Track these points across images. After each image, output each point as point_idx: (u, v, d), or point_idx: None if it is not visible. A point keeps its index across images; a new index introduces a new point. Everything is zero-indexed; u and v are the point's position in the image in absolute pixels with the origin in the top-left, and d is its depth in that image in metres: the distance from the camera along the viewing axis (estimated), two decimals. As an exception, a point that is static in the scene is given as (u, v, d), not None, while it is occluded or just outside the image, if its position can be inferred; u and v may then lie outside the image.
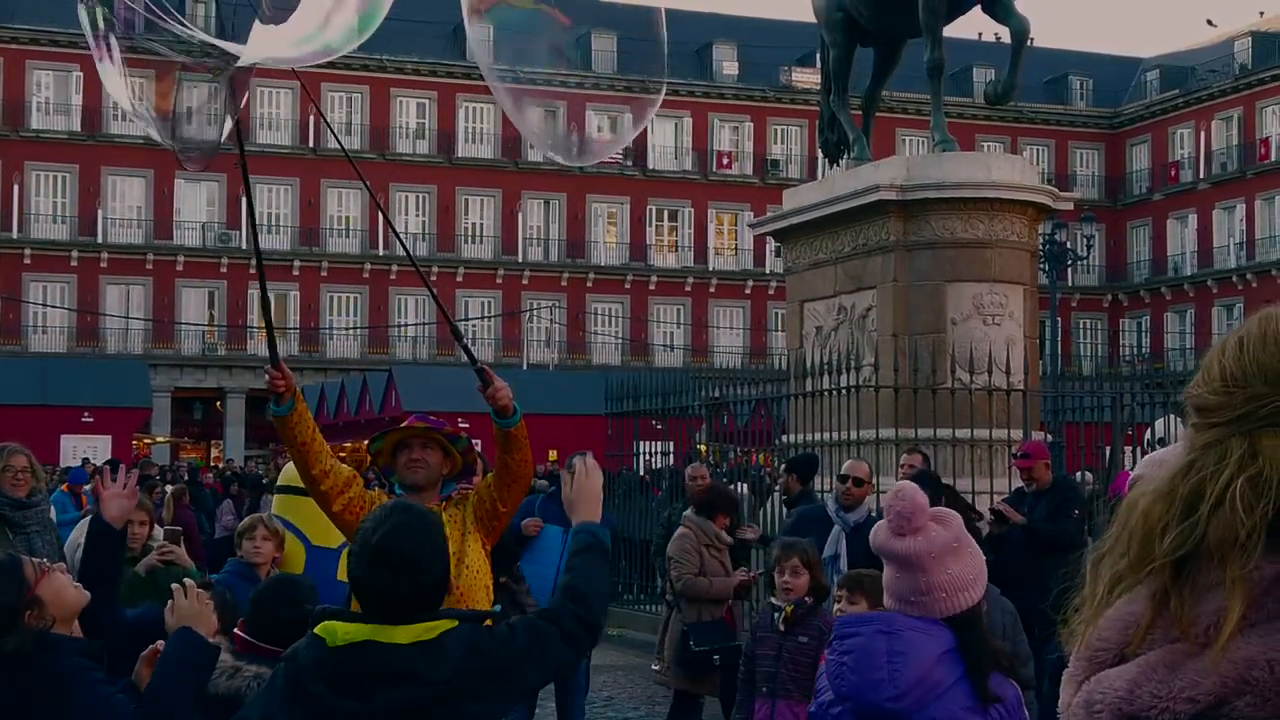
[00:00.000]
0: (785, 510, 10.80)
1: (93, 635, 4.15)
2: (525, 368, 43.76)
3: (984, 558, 3.44)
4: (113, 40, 4.68)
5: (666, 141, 53.17)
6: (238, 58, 4.60)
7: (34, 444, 8.52)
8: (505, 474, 5.11)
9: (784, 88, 53.80)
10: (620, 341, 50.95)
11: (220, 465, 37.12)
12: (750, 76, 53.62)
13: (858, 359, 13.06)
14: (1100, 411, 14.99)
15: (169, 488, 15.95)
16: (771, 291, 50.24)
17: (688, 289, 53.07)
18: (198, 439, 50.25)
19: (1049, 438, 13.52)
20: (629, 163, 51.92)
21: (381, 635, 3.14)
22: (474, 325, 48.82)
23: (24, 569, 3.92)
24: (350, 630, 3.17)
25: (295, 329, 48.81)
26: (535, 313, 49.15)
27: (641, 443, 17.43)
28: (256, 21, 4.68)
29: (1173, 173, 55.91)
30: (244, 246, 46.27)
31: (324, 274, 49.47)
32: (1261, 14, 55.82)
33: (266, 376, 4.98)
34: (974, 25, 50.63)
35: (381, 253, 49.16)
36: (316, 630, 3.22)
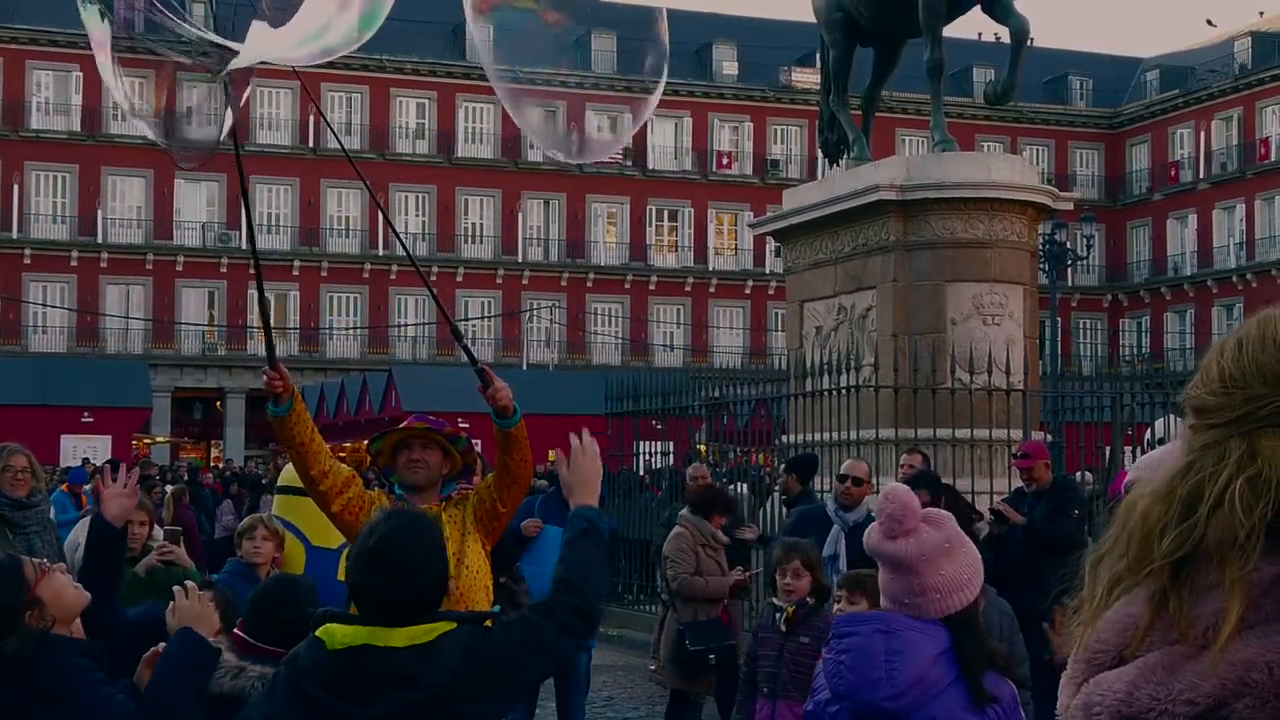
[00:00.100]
0: (785, 510, 10.80)
1: (94, 635, 4.15)
2: (525, 368, 43.76)
3: (979, 557, 3.44)
4: (113, 38, 4.68)
5: (666, 141, 53.17)
6: (235, 56, 4.60)
7: (34, 444, 8.52)
8: (505, 474, 5.11)
9: (784, 88, 53.80)
10: (620, 341, 50.95)
11: (220, 465, 37.13)
12: (750, 76, 53.62)
13: (858, 359, 13.06)
14: (1100, 411, 14.99)
15: (169, 488, 15.95)
16: (771, 291, 50.24)
17: (688, 289, 53.07)
18: (198, 439, 50.25)
19: (1049, 438, 13.53)
20: (629, 163, 51.91)
21: (378, 639, 3.14)
22: (474, 325, 48.82)
23: (24, 569, 3.92)
24: (349, 634, 3.17)
25: (295, 329, 48.81)
26: (535, 313, 49.16)
27: (641, 443, 17.43)
28: (256, 21, 4.68)
29: (1173, 173, 55.91)
30: (244, 246, 46.24)
31: (324, 274, 49.47)
32: (1261, 14, 55.82)
33: (264, 377, 4.98)
34: (974, 25, 50.65)
35: (381, 253, 49.16)
36: (317, 633, 3.22)
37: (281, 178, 48.86)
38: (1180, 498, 1.46)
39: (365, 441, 5.70)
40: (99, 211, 47.48)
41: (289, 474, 6.57)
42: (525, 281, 51.05)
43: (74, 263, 47.18)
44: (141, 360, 43.97)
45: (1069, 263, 36.39)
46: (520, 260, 51.28)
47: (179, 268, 48.10)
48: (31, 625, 3.81)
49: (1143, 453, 12.03)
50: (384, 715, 3.11)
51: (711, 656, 8.68)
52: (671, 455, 17.62)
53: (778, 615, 6.54)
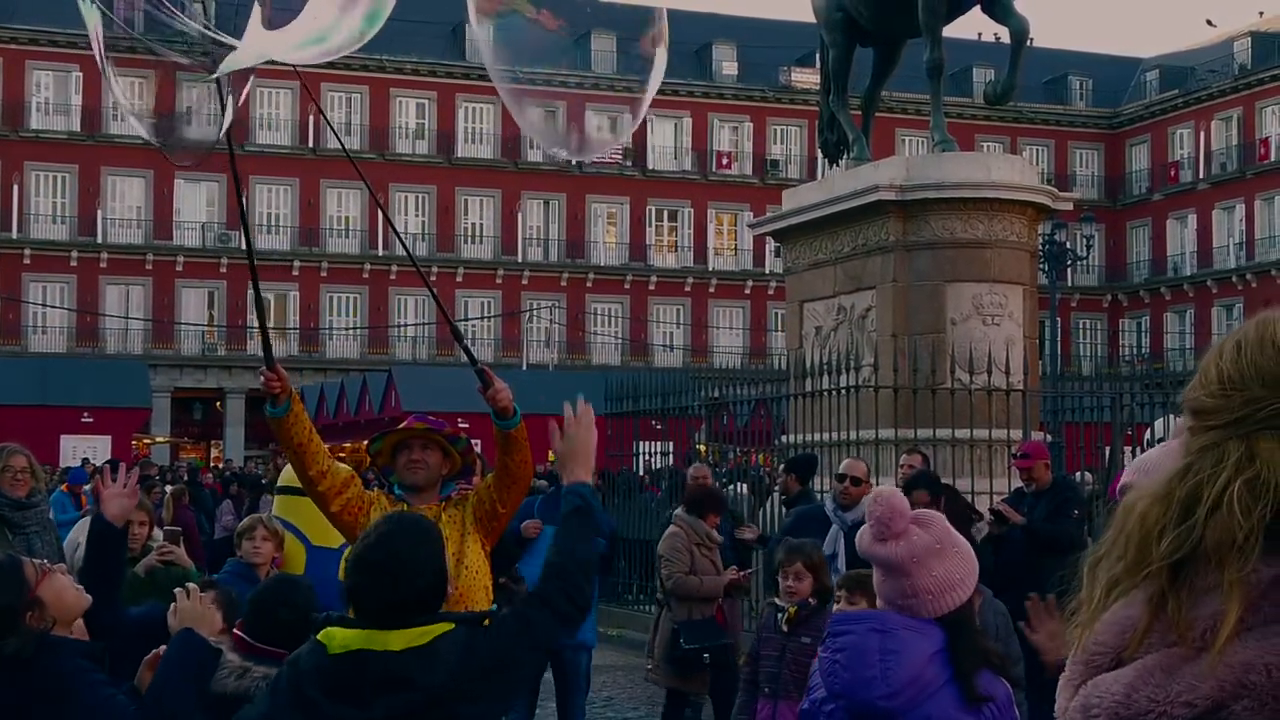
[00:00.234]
0: (784, 510, 10.81)
1: (96, 635, 4.15)
2: (525, 368, 43.75)
3: (973, 556, 3.44)
4: (112, 37, 4.69)
5: (666, 141, 53.17)
6: (238, 55, 4.61)
7: (33, 444, 8.53)
8: (505, 475, 5.11)
9: (783, 88, 53.79)
10: (620, 342, 50.95)
11: (220, 466, 37.13)
12: (750, 77, 53.62)
13: (857, 359, 13.06)
14: (1100, 412, 15.00)
15: (168, 488, 15.94)
16: (771, 291, 50.24)
17: (687, 289, 53.07)
18: (197, 439, 50.24)
19: (1048, 438, 13.53)
20: (629, 163, 51.92)
21: (376, 642, 3.14)
22: (474, 325, 48.82)
23: (24, 570, 3.92)
24: (348, 637, 3.18)
25: (295, 329, 48.82)
26: (535, 313, 49.16)
27: (641, 443, 17.43)
28: (257, 21, 4.69)
29: (1172, 173, 55.91)
30: (243, 246, 46.25)
31: (324, 274, 49.47)
32: (1261, 14, 55.83)
33: (261, 378, 4.99)
34: (974, 25, 50.63)
35: (381, 253, 49.16)
36: (318, 636, 3.23)
37: (281, 178, 48.86)
38: (1179, 500, 1.47)
39: (365, 442, 5.70)
40: (99, 211, 47.48)
41: (289, 474, 6.57)
42: (525, 282, 51.06)
43: (74, 263, 47.18)
44: (141, 360, 43.97)
45: (1069, 263, 36.39)
46: (520, 260, 51.28)
47: (179, 268, 48.11)
48: (32, 626, 3.81)
49: (1143, 453, 12.04)
50: (383, 718, 3.11)
51: (706, 655, 8.70)
52: (671, 455, 17.63)
53: (780, 615, 6.54)
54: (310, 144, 48.64)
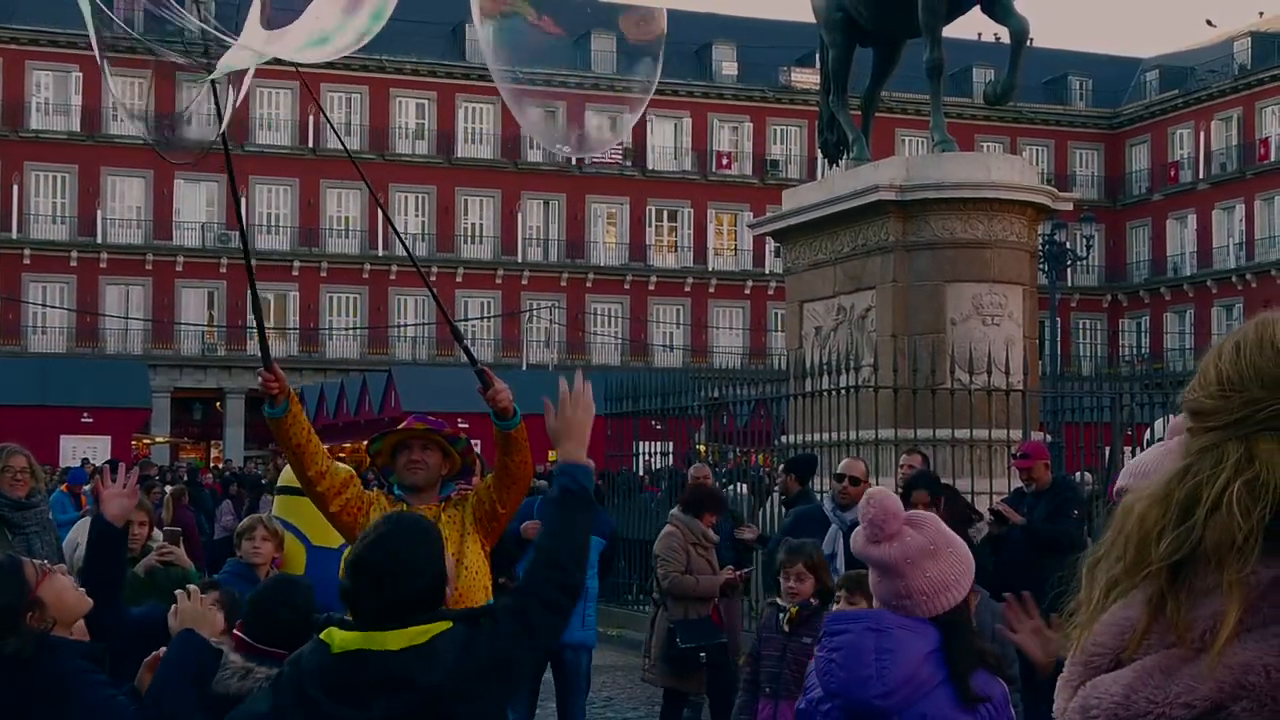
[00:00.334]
0: (784, 510, 10.81)
1: (97, 636, 4.15)
2: (525, 368, 43.75)
3: (969, 556, 3.44)
4: (110, 36, 4.69)
5: (666, 142, 53.17)
6: (243, 55, 4.61)
7: (33, 444, 8.53)
8: (505, 476, 5.11)
9: (783, 88, 53.79)
10: (620, 342, 50.95)
11: (219, 466, 37.13)
12: (750, 77, 53.62)
13: (857, 359, 13.07)
14: (1100, 412, 15.00)
15: (168, 488, 15.94)
16: (771, 292, 50.23)
17: (687, 289, 53.07)
18: (197, 439, 50.24)
19: (1048, 438, 13.53)
20: (628, 163, 51.92)
21: (375, 642, 3.15)
22: (473, 325, 48.81)
23: (25, 570, 3.92)
24: (348, 637, 3.18)
25: (295, 329, 48.81)
26: (535, 313, 49.16)
27: (641, 443, 17.43)
28: (256, 19, 4.69)
29: (1172, 173, 55.91)
30: (250, 247, 46.17)
31: (323, 274, 49.47)
32: (1261, 14, 55.83)
33: (259, 379, 4.99)
34: (973, 25, 50.62)
35: (381, 253, 49.17)
36: (321, 636, 3.23)
37: (281, 178, 48.87)
38: (1178, 500, 1.47)
39: (365, 442, 5.71)
40: (98, 212, 47.48)
41: (289, 474, 6.57)
42: (525, 282, 51.06)
43: (73, 263, 47.18)
44: (141, 361, 43.97)
45: (1068, 263, 36.39)
46: (520, 260, 51.28)
47: (178, 268, 48.11)
48: (32, 626, 3.81)
49: (1142, 453, 12.03)
50: (382, 718, 3.11)
51: (702, 654, 8.71)
52: (671, 456, 17.63)
53: (781, 616, 6.55)
54: (310, 144, 48.65)
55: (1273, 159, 51.60)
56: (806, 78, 48.90)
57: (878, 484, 10.07)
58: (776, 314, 47.25)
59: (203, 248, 48.06)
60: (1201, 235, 54.38)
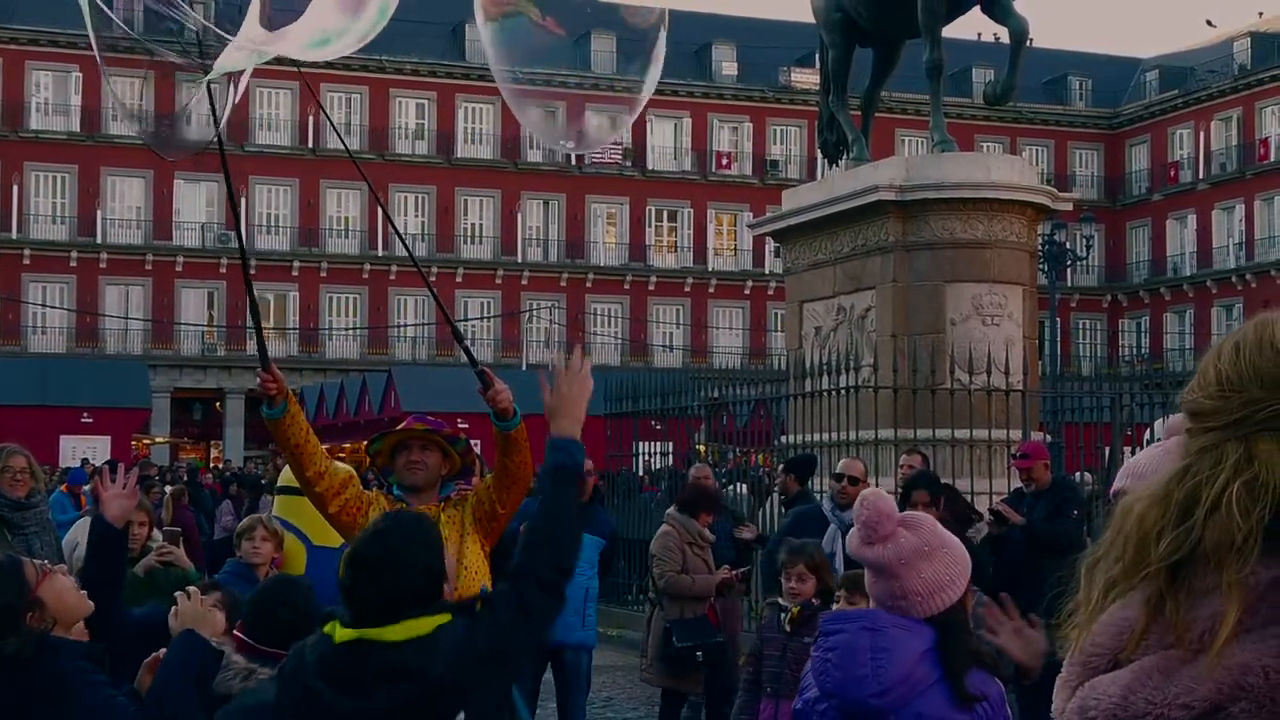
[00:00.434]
0: (783, 510, 10.81)
1: (98, 637, 4.15)
2: (524, 368, 43.75)
3: (965, 556, 3.44)
4: (108, 36, 4.70)
5: (666, 142, 53.17)
6: (247, 56, 4.62)
7: (33, 445, 8.53)
8: (505, 476, 5.11)
9: (783, 88, 53.80)
10: (619, 342, 50.95)
11: (219, 466, 37.13)
12: (749, 77, 53.62)
13: (857, 359, 13.07)
14: (1099, 412, 15.00)
15: (168, 488, 15.94)
16: (771, 292, 50.24)
17: (687, 289, 53.07)
18: (197, 439, 50.24)
19: (1048, 438, 13.53)
20: (628, 163, 51.93)
21: (375, 634, 3.15)
22: (473, 326, 48.81)
23: (25, 570, 3.92)
24: (347, 631, 3.19)
25: (295, 329, 48.81)
26: (535, 313, 49.16)
27: (640, 443, 17.42)
28: (255, 17, 4.69)
29: (1172, 173, 55.91)
30: (245, 247, 46.17)
31: (323, 274, 49.47)
32: (1261, 14, 55.83)
33: (258, 380, 4.99)
34: (973, 26, 50.62)
35: (381, 253, 49.18)
36: (324, 628, 3.24)
37: (281, 178, 48.87)
38: (1177, 501, 1.47)
39: (365, 442, 5.71)
40: (98, 212, 47.48)
41: (289, 474, 6.57)
42: (525, 282, 51.05)
43: (73, 263, 47.18)
44: (141, 361, 43.97)
45: (1068, 263, 36.39)
46: (520, 261, 51.28)
47: (178, 268, 48.10)
48: (32, 626, 3.81)
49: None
50: (384, 708, 3.11)
51: (699, 653, 8.72)
52: (671, 456, 17.62)
53: (783, 616, 6.56)
54: (310, 144, 48.65)
55: (1272, 159, 51.60)
56: (806, 78, 48.91)
57: (878, 484, 10.08)
58: (776, 314, 47.25)
59: (202, 248, 48.06)
60: (1201, 235, 54.38)
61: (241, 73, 4.91)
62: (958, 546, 3.44)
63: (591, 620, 8.96)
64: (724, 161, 53.72)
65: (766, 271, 51.06)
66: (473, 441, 5.61)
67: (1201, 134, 54.50)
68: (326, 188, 49.20)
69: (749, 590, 10.68)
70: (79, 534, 8.38)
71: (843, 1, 14.39)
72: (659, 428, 17.53)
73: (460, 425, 7.27)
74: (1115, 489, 2.68)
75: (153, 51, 4.82)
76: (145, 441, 40.55)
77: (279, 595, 4.48)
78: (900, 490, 8.51)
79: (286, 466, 6.02)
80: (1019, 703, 5.70)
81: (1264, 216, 52.23)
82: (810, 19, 15.44)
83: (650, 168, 52.63)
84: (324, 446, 5.34)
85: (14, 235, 46.59)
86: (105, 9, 4.70)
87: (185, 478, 24.41)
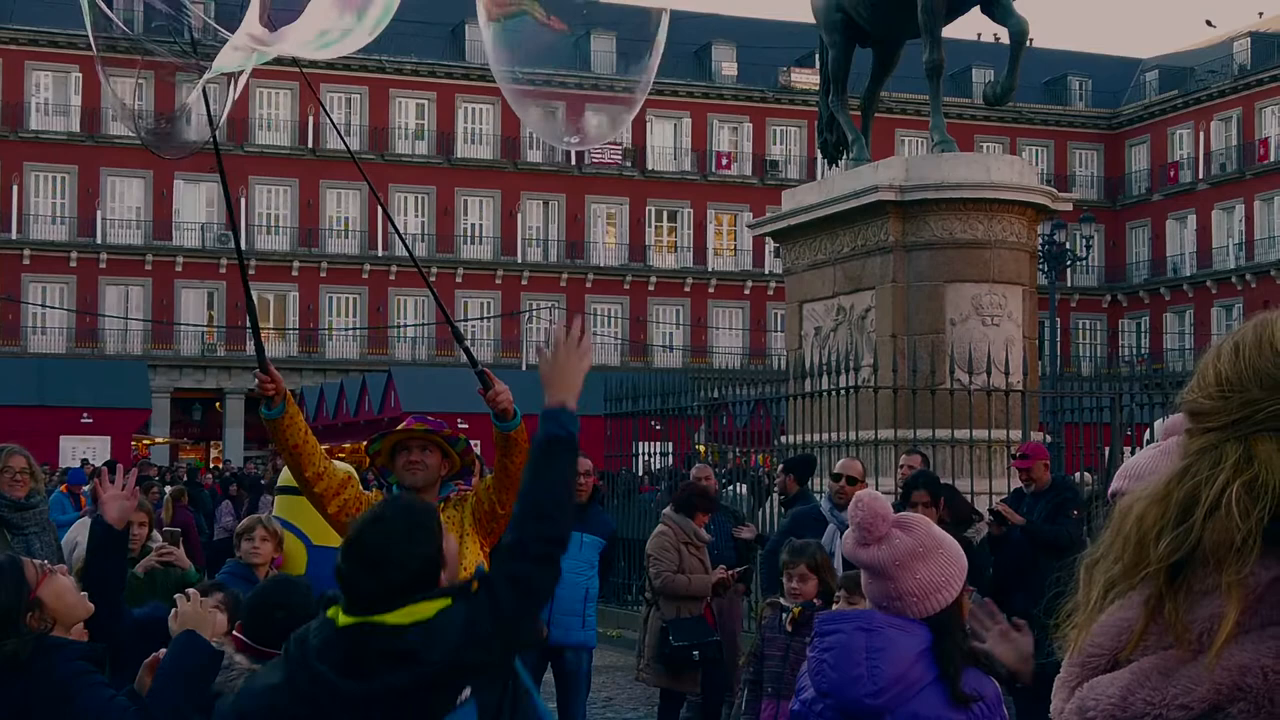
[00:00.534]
0: (783, 510, 10.81)
1: (99, 638, 4.15)
2: (524, 369, 43.75)
3: (961, 556, 3.44)
4: (107, 36, 4.70)
5: (665, 142, 53.17)
6: (252, 55, 4.62)
7: (33, 445, 8.54)
8: (505, 477, 5.11)
9: (783, 88, 53.80)
10: (619, 342, 50.94)
11: (219, 466, 37.13)
12: (749, 77, 53.62)
13: (857, 360, 13.06)
14: (1099, 412, 14.99)
15: (168, 489, 15.94)
16: (771, 292, 50.25)
17: (687, 290, 53.07)
18: (197, 440, 50.24)
19: (1048, 438, 13.53)
20: (628, 163, 51.92)
21: (376, 619, 3.15)
22: (473, 326, 48.81)
23: (25, 571, 3.92)
24: (349, 616, 3.19)
25: (294, 330, 48.80)
26: (534, 313, 49.15)
27: (640, 443, 17.42)
28: (255, 15, 4.69)
29: (1172, 173, 55.92)
30: (243, 247, 46.20)
31: (323, 275, 49.46)
32: (1261, 14, 55.86)
33: (255, 381, 4.99)
34: (973, 26, 50.64)
35: (380, 254, 49.18)
36: (327, 612, 3.24)
37: (281, 178, 48.88)
38: (1176, 501, 1.46)
39: (364, 442, 5.71)
40: (98, 212, 47.47)
41: (289, 474, 6.58)
42: (524, 282, 51.05)
43: (73, 264, 47.17)
44: (140, 361, 43.97)
45: (1068, 263, 36.39)
46: (519, 261, 51.27)
47: (178, 269, 48.10)
48: (32, 627, 3.81)
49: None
50: (389, 691, 3.12)
51: (695, 653, 8.72)
52: (671, 456, 17.62)
53: (784, 616, 6.56)
54: (310, 144, 48.65)
55: (1272, 159, 51.61)
56: (806, 78, 48.91)
57: (878, 484, 10.08)
58: (776, 314, 47.26)
59: (202, 248, 48.06)
60: (1201, 235, 54.38)
61: (241, 72, 4.91)
62: (953, 547, 3.44)
63: (591, 621, 8.96)
64: (724, 162, 53.72)
65: (766, 272, 51.06)
66: (473, 441, 5.61)
67: (1201, 134, 54.51)
68: (326, 188, 49.20)
69: (749, 590, 10.67)
70: (78, 534, 8.38)
71: (843, 1, 14.39)
72: (659, 428, 17.53)
73: (460, 425, 7.26)
74: (1113, 490, 2.68)
75: (152, 51, 4.82)
76: (145, 442, 40.55)
77: (277, 596, 4.48)
78: (900, 490, 8.51)
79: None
80: (1016, 703, 5.69)
81: (1264, 216, 52.23)
82: (810, 19, 15.44)
83: (650, 168, 52.63)
84: (324, 446, 5.34)
85: (14, 235, 46.59)
86: (105, 8, 4.70)
87: (185, 478, 24.42)
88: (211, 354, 48.31)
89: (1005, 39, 14.17)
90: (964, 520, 8.37)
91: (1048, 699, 1.56)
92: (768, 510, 12.80)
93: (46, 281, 46.91)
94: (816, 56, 16.61)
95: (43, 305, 46.25)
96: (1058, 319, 35.79)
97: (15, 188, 46.78)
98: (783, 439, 14.23)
